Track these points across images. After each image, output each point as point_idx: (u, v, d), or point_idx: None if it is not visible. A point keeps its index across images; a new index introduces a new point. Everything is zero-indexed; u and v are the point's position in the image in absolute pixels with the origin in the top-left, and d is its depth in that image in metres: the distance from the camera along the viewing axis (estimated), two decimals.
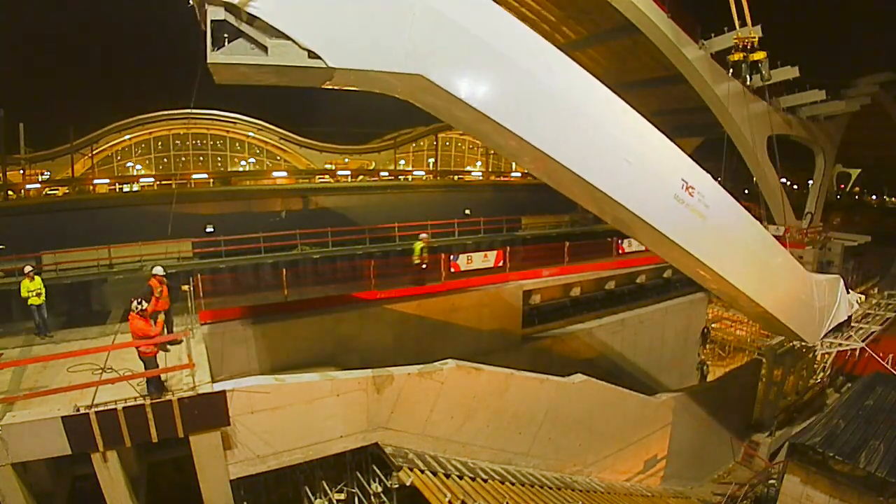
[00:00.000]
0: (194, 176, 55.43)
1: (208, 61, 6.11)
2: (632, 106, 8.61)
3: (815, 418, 16.08)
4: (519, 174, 78.43)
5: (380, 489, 9.52)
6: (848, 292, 15.23)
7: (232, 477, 8.04)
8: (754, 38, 13.48)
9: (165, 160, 66.99)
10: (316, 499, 9.85)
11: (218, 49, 6.05)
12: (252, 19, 5.95)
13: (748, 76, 13.80)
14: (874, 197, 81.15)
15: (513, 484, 10.25)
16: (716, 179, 9.90)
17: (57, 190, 46.79)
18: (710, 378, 23.14)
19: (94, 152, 55.39)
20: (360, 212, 43.46)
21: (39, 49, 67.25)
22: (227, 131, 69.05)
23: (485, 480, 9.83)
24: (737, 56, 14.05)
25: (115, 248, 20.44)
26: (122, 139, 63.09)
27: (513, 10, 24.57)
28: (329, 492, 9.82)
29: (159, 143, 66.36)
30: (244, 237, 22.41)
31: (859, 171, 73.93)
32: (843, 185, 77.45)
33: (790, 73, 23.60)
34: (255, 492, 9.52)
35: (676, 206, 9.15)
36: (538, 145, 7.59)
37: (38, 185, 48.14)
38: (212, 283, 15.56)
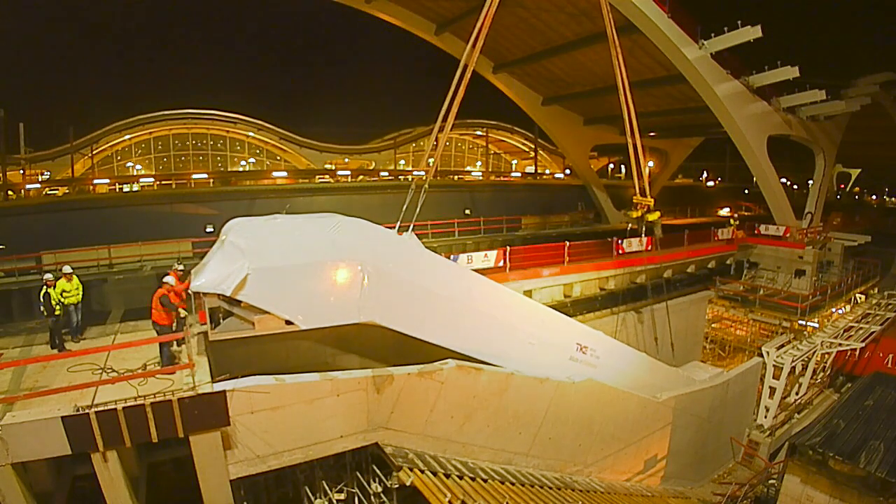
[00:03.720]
0: (194, 176, 55.29)
1: (210, 339, 8.72)
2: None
3: (815, 418, 16.11)
4: (519, 174, 78.46)
5: (380, 489, 9.52)
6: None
7: (232, 477, 8.02)
8: (650, 202, 16.30)
9: (165, 160, 66.96)
10: (316, 499, 9.85)
11: (215, 327, 8.69)
12: (239, 302, 8.18)
13: (643, 230, 16.90)
14: (874, 197, 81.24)
15: (513, 484, 10.24)
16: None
17: (57, 190, 46.70)
18: None
19: (94, 152, 55.35)
20: (360, 211, 43.31)
21: (40, 49, 67.35)
22: (227, 131, 69.01)
23: (485, 480, 9.82)
24: (636, 214, 16.57)
25: (115, 248, 20.45)
26: (122, 139, 62.98)
27: (512, 10, 24.55)
28: (329, 492, 9.82)
29: (159, 144, 66.31)
30: None
31: (859, 171, 74.00)
32: (843, 185, 77.51)
33: (790, 73, 23.54)
34: (255, 492, 9.53)
35: (572, 364, 12.17)
36: (467, 353, 10.28)
37: (38, 185, 48.05)
38: None
